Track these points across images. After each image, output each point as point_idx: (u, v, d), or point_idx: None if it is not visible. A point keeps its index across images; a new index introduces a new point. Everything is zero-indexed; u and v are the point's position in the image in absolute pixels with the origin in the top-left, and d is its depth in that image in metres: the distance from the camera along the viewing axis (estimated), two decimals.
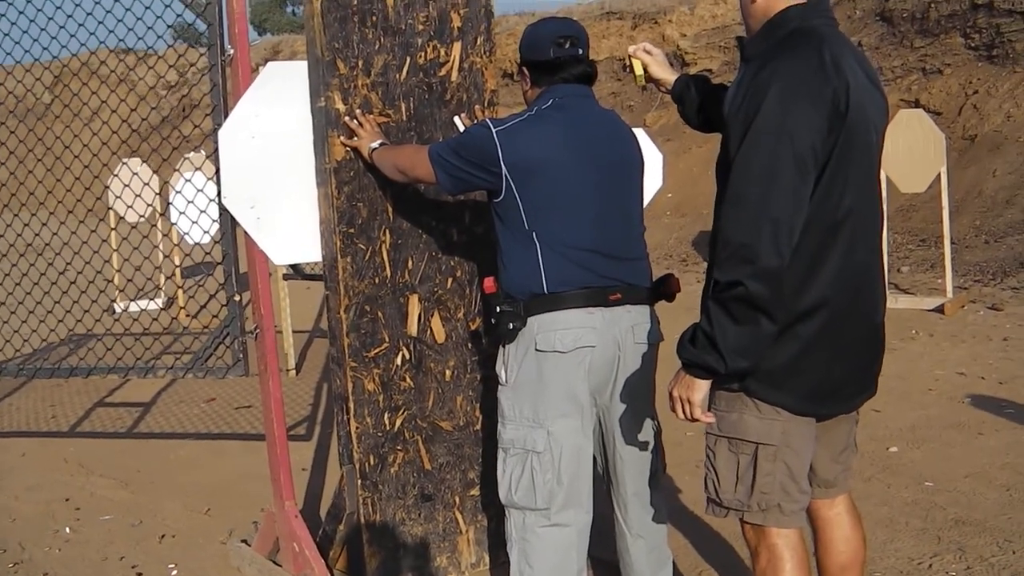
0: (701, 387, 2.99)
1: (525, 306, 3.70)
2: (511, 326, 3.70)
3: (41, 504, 6.26)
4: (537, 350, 3.69)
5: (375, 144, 4.14)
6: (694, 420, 3.05)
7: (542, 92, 3.87)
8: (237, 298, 4.53)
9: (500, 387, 3.86)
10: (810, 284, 2.95)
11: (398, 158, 4.04)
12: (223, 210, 4.44)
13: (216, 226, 4.95)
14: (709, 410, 3.11)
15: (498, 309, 3.73)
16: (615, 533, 4.02)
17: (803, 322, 2.97)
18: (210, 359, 4.62)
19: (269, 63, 4.45)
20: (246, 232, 4.34)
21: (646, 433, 3.87)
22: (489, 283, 3.85)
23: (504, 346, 3.81)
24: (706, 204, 14.37)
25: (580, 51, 3.84)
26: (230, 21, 4.49)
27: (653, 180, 10.43)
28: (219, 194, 4.38)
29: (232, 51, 4.48)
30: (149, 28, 5.01)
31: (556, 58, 3.81)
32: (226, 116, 4.42)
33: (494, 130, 3.71)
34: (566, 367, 3.69)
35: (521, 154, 3.68)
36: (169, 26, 5.10)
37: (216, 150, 4.37)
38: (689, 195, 15.93)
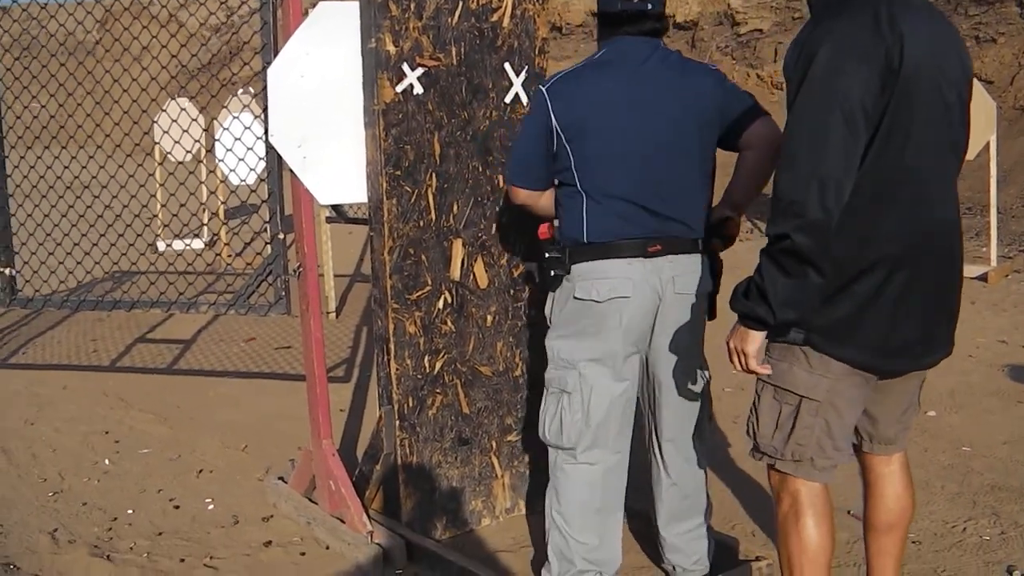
0: (755, 338, 3.00)
1: (569, 254, 3.76)
2: (553, 273, 3.78)
3: (80, 436, 6.33)
4: (575, 297, 3.76)
5: None
6: (750, 371, 3.07)
7: (602, 45, 3.87)
8: (281, 236, 4.54)
9: (548, 329, 3.94)
10: (868, 241, 2.94)
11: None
12: (269, 149, 4.45)
13: (262, 165, 4.96)
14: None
15: (545, 255, 3.81)
16: (651, 478, 4.05)
17: (863, 278, 2.96)
18: (252, 297, 4.64)
19: (320, 3, 4.43)
20: (292, 171, 4.34)
21: (690, 382, 3.88)
22: (544, 229, 3.93)
23: (551, 291, 3.87)
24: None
25: (650, 6, 3.77)
26: None
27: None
28: (266, 133, 4.39)
29: None
30: None
31: (622, 11, 3.76)
32: (276, 55, 4.41)
33: (544, 89, 3.77)
34: (601, 315, 3.74)
35: (566, 108, 3.72)
36: None
37: (265, 89, 4.37)
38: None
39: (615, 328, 3.74)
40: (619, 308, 3.72)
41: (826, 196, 2.81)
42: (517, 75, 4.57)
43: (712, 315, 3.96)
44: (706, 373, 3.96)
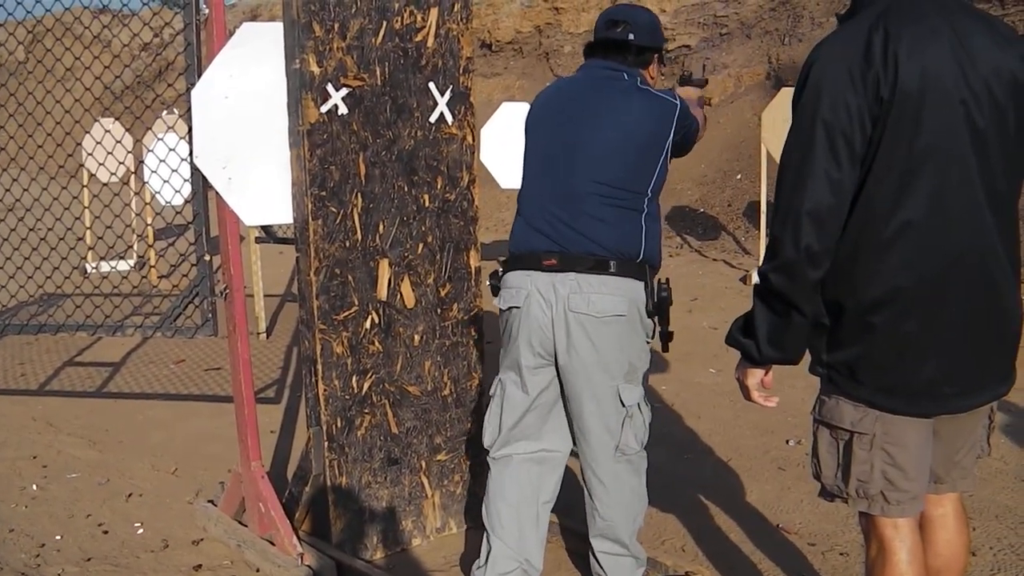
0: (753, 373, 2.99)
1: (502, 264, 4.02)
2: (489, 282, 4.07)
3: (8, 461, 6.25)
4: (496, 303, 4.01)
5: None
6: (753, 402, 3.05)
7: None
8: (207, 258, 4.52)
9: None
10: (875, 275, 2.80)
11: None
12: (195, 170, 4.43)
13: (188, 187, 4.94)
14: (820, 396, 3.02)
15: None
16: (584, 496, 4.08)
17: (873, 314, 2.83)
18: (179, 319, 4.61)
19: (244, 24, 4.43)
20: (217, 192, 4.32)
21: (604, 403, 3.86)
22: None
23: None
24: (680, 179, 14.40)
25: (631, 35, 3.96)
26: None
27: None
28: (191, 154, 4.37)
29: (207, 11, 4.46)
30: None
31: (604, 38, 4.01)
32: (200, 76, 4.40)
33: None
34: (505, 324, 3.95)
35: (529, 115, 4.07)
36: None
37: (189, 110, 4.35)
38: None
39: (515, 338, 3.89)
40: (516, 318, 3.87)
41: (802, 234, 2.73)
42: (442, 95, 4.59)
43: (663, 347, 3.97)
44: (634, 396, 3.90)
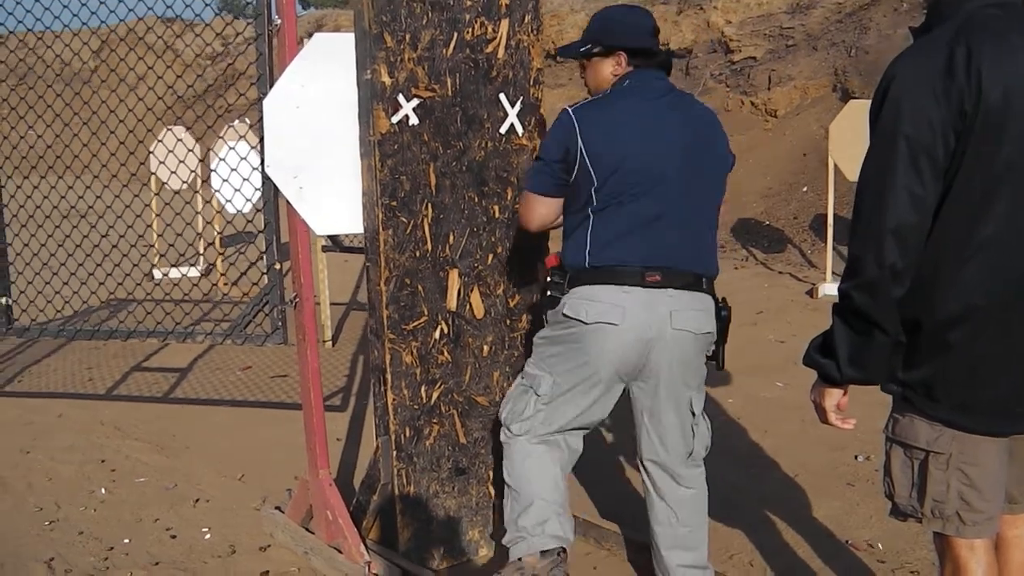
0: (831, 393, 2.94)
1: (570, 278, 3.88)
2: (549, 293, 3.95)
3: (76, 465, 6.32)
4: (564, 314, 3.86)
5: None
6: (830, 424, 3.01)
7: (624, 76, 4.00)
8: (277, 267, 4.55)
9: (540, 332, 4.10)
10: (950, 292, 2.76)
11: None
12: (266, 179, 4.46)
13: (258, 195, 4.97)
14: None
15: (548, 279, 3.97)
16: (646, 505, 4.12)
17: (948, 331, 2.79)
18: (249, 326, 4.64)
19: (316, 34, 4.46)
20: (288, 201, 4.36)
21: (681, 413, 3.94)
22: (552, 257, 4.08)
23: (547, 310, 4.00)
24: (745, 191, 14.31)
25: (662, 44, 4.09)
26: None
27: None
28: (262, 163, 4.41)
29: (279, 21, 4.49)
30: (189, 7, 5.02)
31: (647, 48, 3.99)
32: (272, 86, 4.43)
33: (572, 111, 3.89)
34: (585, 337, 3.82)
35: (593, 132, 3.82)
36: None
37: (261, 119, 4.39)
38: (729, 182, 15.77)
39: (599, 353, 3.81)
40: (604, 334, 3.79)
41: (885, 252, 2.69)
42: (512, 105, 4.59)
43: (719, 364, 4.02)
44: (701, 404, 4.00)
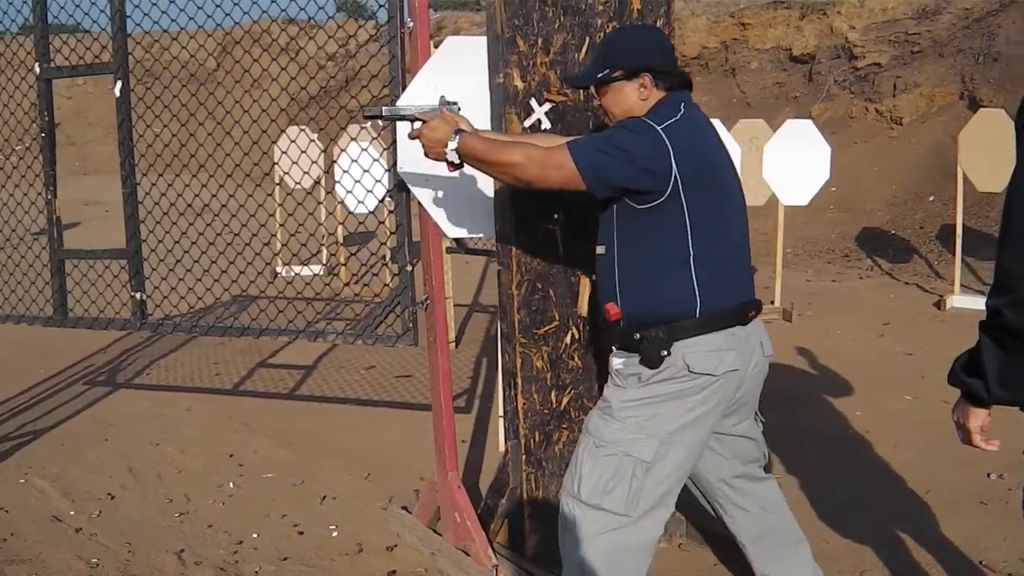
0: (975, 414, 2.79)
1: (670, 330, 3.52)
2: (663, 353, 3.51)
3: (205, 459, 6.44)
4: (691, 371, 3.51)
5: (458, 129, 3.74)
6: (973, 446, 2.87)
7: (667, 97, 3.66)
8: (409, 268, 4.57)
9: (619, 384, 3.65)
10: None
11: (515, 150, 3.59)
12: (398, 181, 4.49)
13: (380, 189, 5.00)
14: None
15: (637, 336, 3.55)
16: (729, 524, 4.02)
17: None
18: (380, 327, 4.68)
19: (449, 37, 4.48)
20: (420, 204, 4.39)
21: (751, 429, 3.88)
22: (613, 310, 3.64)
23: (650, 369, 3.56)
24: (870, 199, 14.12)
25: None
26: None
27: (820, 172, 10.26)
28: (394, 165, 4.44)
29: (412, 24, 4.51)
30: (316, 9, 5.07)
31: (672, 71, 3.71)
32: (404, 88, 4.46)
33: (661, 129, 3.46)
34: (711, 389, 3.54)
35: (689, 157, 3.45)
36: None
37: (393, 122, 4.42)
38: (853, 190, 15.55)
39: (720, 401, 3.59)
40: (731, 381, 3.58)
41: None
42: None
43: None
44: (761, 420, 3.93)
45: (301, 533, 5.26)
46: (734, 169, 3.69)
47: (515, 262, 4.30)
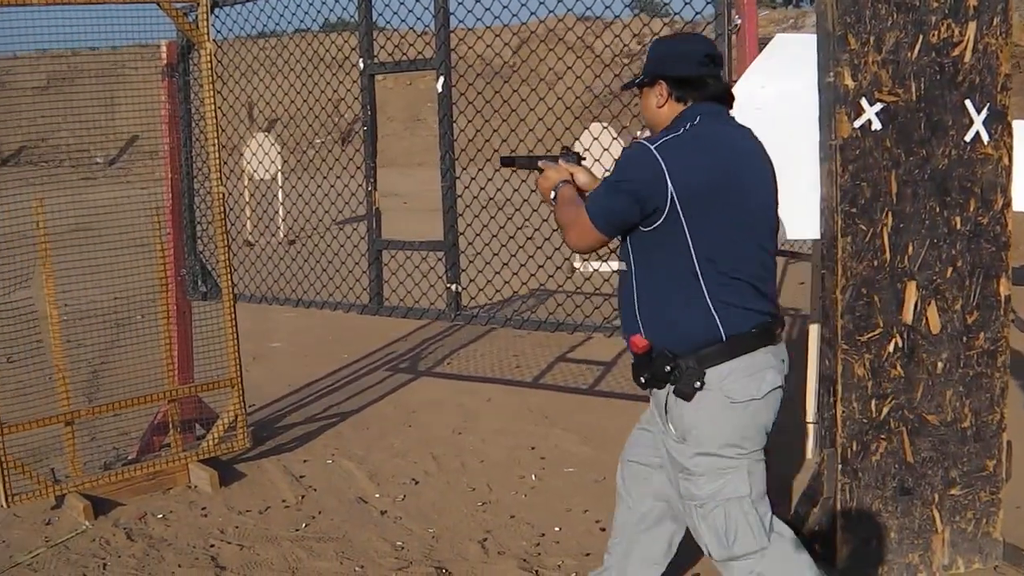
0: None
1: (701, 358, 3.47)
2: (697, 384, 3.47)
3: (506, 449, 6.53)
4: (732, 401, 3.48)
5: (564, 181, 3.98)
6: None
7: (685, 110, 3.62)
8: None
9: (676, 440, 3.63)
10: None
11: (565, 213, 3.79)
12: None
13: None
14: None
15: (667, 368, 3.50)
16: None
17: None
18: None
19: (778, 35, 4.42)
20: None
21: None
22: (640, 342, 3.56)
23: (685, 401, 3.53)
24: None
25: (721, 71, 3.74)
26: None
27: None
28: None
29: (740, 21, 4.46)
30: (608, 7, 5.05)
31: (702, 75, 3.60)
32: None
33: (653, 147, 3.44)
34: (758, 412, 3.54)
35: (686, 174, 3.41)
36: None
37: None
38: None
39: (769, 420, 3.61)
40: (775, 399, 3.59)
41: None
42: (978, 112, 4.39)
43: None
44: None
45: (603, 530, 5.25)
46: (762, 183, 3.61)
47: (840, 266, 4.20)
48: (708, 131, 3.53)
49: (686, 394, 3.48)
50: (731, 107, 3.70)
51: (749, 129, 3.70)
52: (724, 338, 3.45)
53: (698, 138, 3.50)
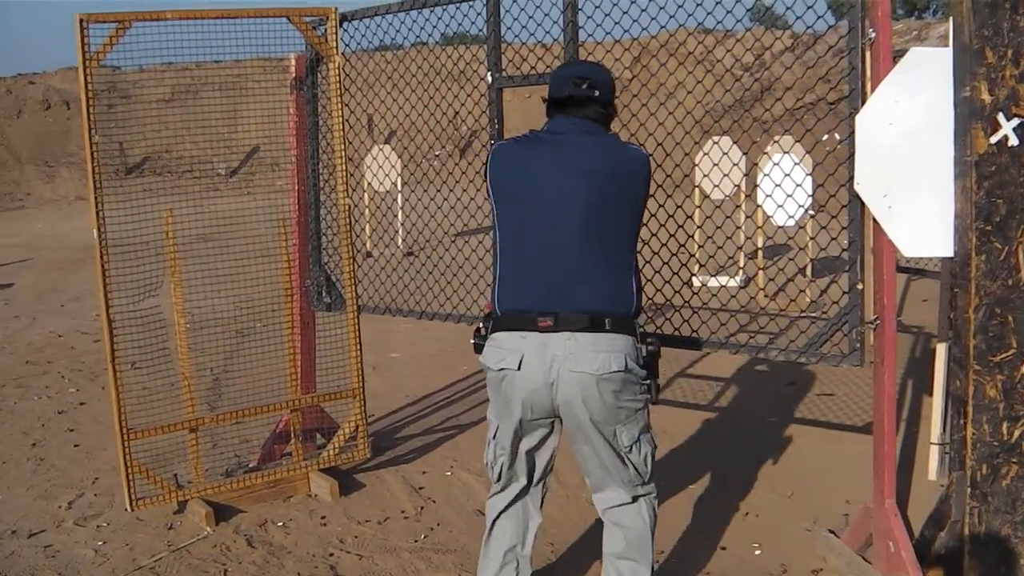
0: None
1: (491, 324, 4.04)
2: (472, 342, 4.13)
3: None
4: (480, 361, 4.08)
5: None
6: None
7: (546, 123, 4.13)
8: (860, 287, 4.45)
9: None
10: None
11: None
12: (853, 196, 4.40)
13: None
14: None
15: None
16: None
17: None
18: (825, 345, 4.57)
19: (912, 48, 4.35)
20: (876, 221, 4.28)
21: (599, 450, 4.01)
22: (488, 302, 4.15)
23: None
24: None
25: (596, 92, 4.05)
26: (871, 3, 4.39)
27: None
28: (851, 179, 4.36)
29: (874, 34, 4.39)
30: (728, 12, 5.01)
31: (568, 96, 4.04)
32: (863, 102, 4.36)
33: (491, 150, 4.12)
34: (495, 383, 4.03)
35: (497, 173, 4.03)
36: (748, 9, 5.09)
37: (851, 135, 4.34)
38: None
39: (506, 397, 3.98)
40: (508, 379, 3.93)
41: None
42: None
43: (653, 398, 4.12)
44: (633, 434, 4.03)
45: (723, 548, 5.22)
46: (566, 188, 3.89)
47: (973, 285, 4.11)
48: (537, 137, 4.06)
49: (476, 347, 4.16)
50: (590, 115, 4.07)
51: (609, 141, 4.08)
52: (498, 312, 4.04)
53: (527, 141, 4.07)
